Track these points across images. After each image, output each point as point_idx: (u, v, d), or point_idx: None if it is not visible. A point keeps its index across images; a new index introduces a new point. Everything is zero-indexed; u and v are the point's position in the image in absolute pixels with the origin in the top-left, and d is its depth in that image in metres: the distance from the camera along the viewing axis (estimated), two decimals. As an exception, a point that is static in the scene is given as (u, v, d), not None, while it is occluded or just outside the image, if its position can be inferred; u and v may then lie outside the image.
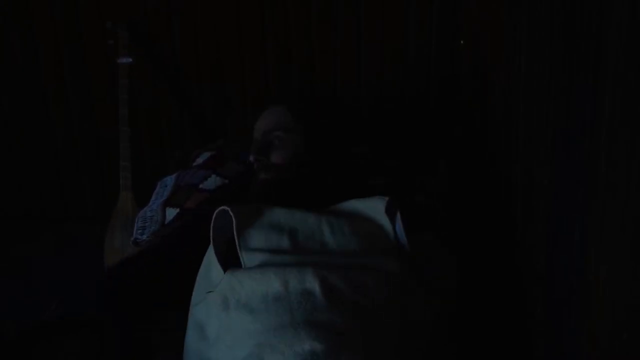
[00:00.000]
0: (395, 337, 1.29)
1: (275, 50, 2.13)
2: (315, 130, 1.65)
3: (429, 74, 2.10)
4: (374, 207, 1.41)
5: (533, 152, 1.58)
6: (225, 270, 1.32)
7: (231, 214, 1.35)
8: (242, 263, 1.33)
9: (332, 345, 1.20)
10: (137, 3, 2.12)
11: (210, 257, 1.38)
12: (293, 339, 1.21)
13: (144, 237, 1.75)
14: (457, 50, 2.06)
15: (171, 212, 1.80)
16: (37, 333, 1.19)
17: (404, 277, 1.33)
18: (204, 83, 2.21)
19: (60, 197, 2.40)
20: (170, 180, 1.95)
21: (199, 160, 2.01)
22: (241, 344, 1.25)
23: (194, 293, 1.42)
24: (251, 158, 1.61)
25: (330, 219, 1.40)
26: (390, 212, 1.40)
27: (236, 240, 1.34)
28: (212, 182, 1.88)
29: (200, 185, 1.87)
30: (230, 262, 1.35)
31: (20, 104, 2.29)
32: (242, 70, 2.17)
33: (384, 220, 1.40)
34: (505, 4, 1.94)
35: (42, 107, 2.29)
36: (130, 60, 2.09)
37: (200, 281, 1.43)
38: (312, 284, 1.26)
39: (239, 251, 1.34)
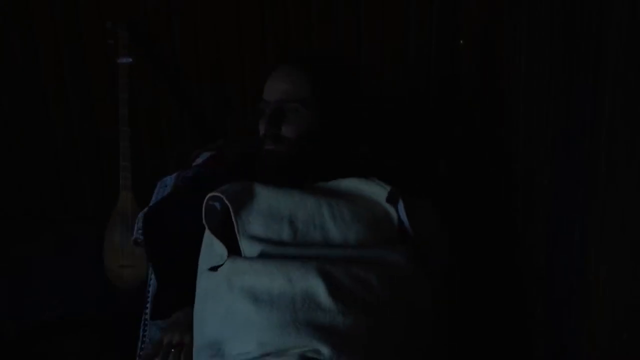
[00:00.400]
0: (399, 335, 1.27)
1: (275, 50, 2.12)
2: (334, 107, 1.50)
3: (429, 74, 2.10)
4: (376, 192, 1.37)
5: (533, 152, 1.58)
6: (226, 247, 1.32)
7: (226, 202, 1.33)
8: (242, 252, 1.32)
9: (334, 347, 1.19)
10: (137, 3, 2.12)
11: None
12: (296, 340, 1.20)
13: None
14: (457, 50, 2.06)
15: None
16: (37, 333, 1.19)
17: (409, 271, 1.31)
18: (204, 83, 2.21)
19: (60, 197, 2.40)
20: (170, 180, 1.95)
21: (199, 161, 2.01)
22: (245, 334, 1.25)
23: (200, 259, 1.43)
24: (261, 127, 1.48)
25: (330, 202, 1.36)
26: (391, 200, 1.37)
27: (235, 228, 1.33)
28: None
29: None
30: (229, 239, 1.34)
31: (20, 104, 2.29)
32: (242, 70, 2.16)
33: (387, 206, 1.37)
34: (505, 4, 1.94)
35: (42, 107, 2.29)
36: (130, 60, 2.09)
37: (205, 248, 1.42)
38: (316, 280, 1.24)
39: (238, 239, 1.32)
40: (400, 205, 1.36)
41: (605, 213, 1.01)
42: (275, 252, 1.31)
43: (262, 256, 1.31)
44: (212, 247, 1.38)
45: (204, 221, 1.36)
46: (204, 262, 1.41)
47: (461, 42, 2.04)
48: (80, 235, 2.34)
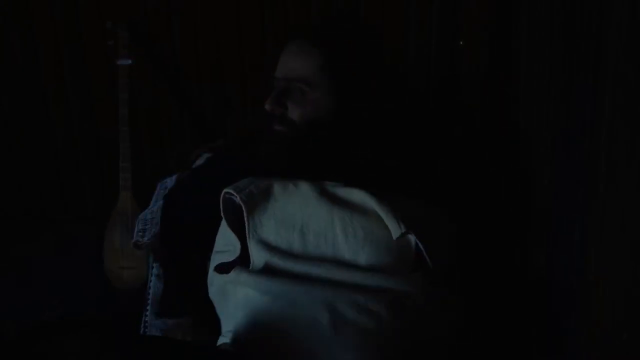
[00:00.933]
0: None
1: (276, 51, 2.12)
2: (349, 91, 1.40)
3: (429, 74, 2.10)
4: (390, 223, 1.28)
5: (533, 152, 1.58)
6: (239, 239, 1.30)
7: (240, 202, 1.30)
8: (251, 257, 1.29)
9: None
10: (137, 3, 2.12)
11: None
12: None
13: (145, 239, 1.74)
14: (457, 50, 2.06)
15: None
16: (37, 333, 1.19)
17: (422, 300, 1.24)
18: (204, 83, 2.21)
19: (60, 197, 2.40)
20: (170, 181, 1.94)
21: (200, 162, 2.00)
22: (244, 338, 1.24)
23: (217, 237, 1.40)
24: (267, 106, 1.41)
25: (343, 216, 1.29)
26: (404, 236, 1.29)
27: (246, 229, 1.30)
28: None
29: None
30: (243, 235, 1.32)
31: (20, 104, 2.29)
32: (242, 70, 2.16)
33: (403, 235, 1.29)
34: (505, 4, 1.94)
35: (42, 107, 2.29)
36: (130, 61, 2.09)
37: (221, 231, 1.40)
38: (321, 313, 1.19)
39: (248, 241, 1.30)
40: (413, 236, 1.29)
41: (605, 213, 1.01)
42: (283, 266, 1.26)
43: (269, 268, 1.27)
44: (227, 232, 1.36)
45: (222, 214, 1.33)
46: (219, 242, 1.40)
47: (461, 42, 2.04)
48: (80, 235, 2.33)
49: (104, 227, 2.19)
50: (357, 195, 1.32)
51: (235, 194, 1.31)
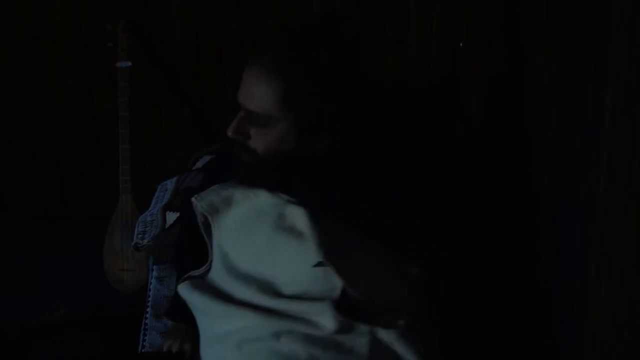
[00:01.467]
0: None
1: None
2: (311, 124, 1.33)
3: (429, 74, 2.10)
4: (315, 247, 1.27)
5: (533, 152, 1.59)
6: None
7: (206, 214, 1.37)
8: (210, 255, 1.38)
9: None
10: (138, 3, 2.12)
11: None
12: None
13: (145, 241, 1.74)
14: (457, 50, 2.06)
15: (171, 216, 1.80)
16: (37, 333, 1.20)
17: (332, 329, 1.24)
18: (204, 83, 2.21)
19: (61, 197, 2.40)
20: (170, 184, 1.94)
21: (199, 164, 2.00)
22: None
23: None
24: (229, 133, 1.35)
25: (282, 239, 1.31)
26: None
27: (211, 236, 1.38)
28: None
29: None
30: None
31: (20, 104, 2.29)
32: (242, 71, 2.16)
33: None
34: (505, 4, 1.94)
35: (42, 107, 2.29)
36: (130, 64, 2.09)
37: None
38: (231, 331, 1.29)
39: (208, 242, 1.38)
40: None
41: (605, 213, 1.01)
42: (216, 282, 1.36)
43: (205, 284, 1.36)
44: None
45: (198, 222, 1.40)
46: None
47: (461, 44, 2.04)
48: (80, 235, 2.33)
49: (105, 227, 2.18)
50: (301, 217, 1.31)
51: (197, 203, 1.38)
